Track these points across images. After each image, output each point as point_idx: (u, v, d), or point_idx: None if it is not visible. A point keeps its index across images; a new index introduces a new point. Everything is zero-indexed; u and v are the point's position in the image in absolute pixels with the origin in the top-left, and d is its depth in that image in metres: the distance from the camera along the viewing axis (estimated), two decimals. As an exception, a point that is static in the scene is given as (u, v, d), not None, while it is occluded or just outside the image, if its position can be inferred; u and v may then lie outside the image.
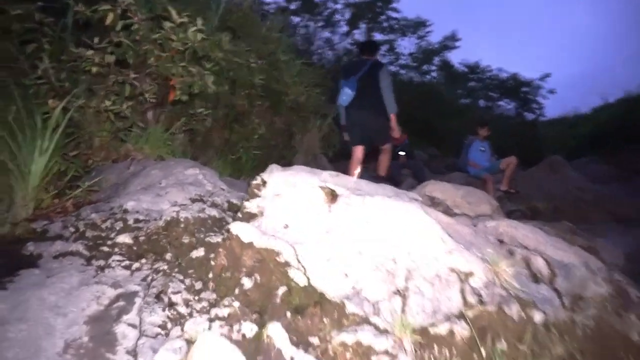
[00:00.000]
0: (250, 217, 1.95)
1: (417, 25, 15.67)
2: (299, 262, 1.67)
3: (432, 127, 12.03)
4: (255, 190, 2.04)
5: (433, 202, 2.88)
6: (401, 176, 6.42)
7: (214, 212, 2.32)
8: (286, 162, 5.33)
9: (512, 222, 2.33)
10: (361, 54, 4.73)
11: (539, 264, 1.93)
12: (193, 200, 2.46)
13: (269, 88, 4.73)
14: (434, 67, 18.40)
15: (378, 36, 13.36)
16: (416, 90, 12.80)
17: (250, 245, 1.74)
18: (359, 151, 4.55)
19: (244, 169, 4.47)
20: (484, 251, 1.95)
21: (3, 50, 2.87)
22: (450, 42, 17.07)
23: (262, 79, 4.27)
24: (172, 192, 2.52)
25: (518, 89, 19.96)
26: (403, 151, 6.84)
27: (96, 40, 2.86)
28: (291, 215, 1.92)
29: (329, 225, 1.86)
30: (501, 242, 2.29)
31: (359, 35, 12.91)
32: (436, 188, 3.13)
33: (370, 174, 5.08)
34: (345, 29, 12.40)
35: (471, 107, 17.46)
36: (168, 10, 2.97)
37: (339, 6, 12.03)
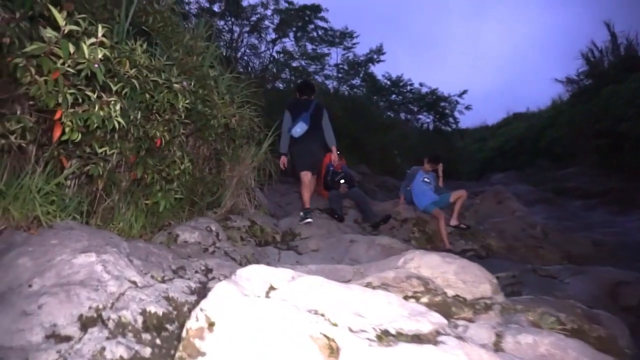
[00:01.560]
0: (187, 399, 1.11)
1: (344, 36, 15.33)
2: None
3: (360, 143, 11.62)
4: (196, 342, 1.19)
5: (426, 287, 2.22)
6: (342, 208, 5.76)
7: (120, 350, 1.43)
8: (214, 200, 4.44)
9: (556, 337, 1.75)
10: (301, 94, 5.55)
11: None
12: (84, 324, 1.55)
13: (194, 110, 3.82)
14: (358, 80, 18.25)
15: (308, 46, 12.74)
16: (344, 103, 12.35)
17: None
18: (308, 176, 5.27)
19: (162, 216, 3.52)
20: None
21: None
22: (376, 55, 16.99)
23: (187, 102, 3.35)
24: (49, 305, 1.59)
25: (437, 104, 20.59)
26: (344, 179, 6.21)
27: None
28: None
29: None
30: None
31: (287, 43, 12.18)
32: (423, 263, 2.46)
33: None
34: (272, 36, 11.61)
35: (398, 122, 17.52)
36: (50, 10, 1.99)
37: (268, 12, 11.25)
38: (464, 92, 19.60)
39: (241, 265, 3.32)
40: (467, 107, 19.80)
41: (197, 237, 3.39)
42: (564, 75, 20.21)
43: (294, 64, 11.97)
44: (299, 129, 5.08)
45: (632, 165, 12.70)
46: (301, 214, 5.03)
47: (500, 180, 14.46)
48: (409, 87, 20.53)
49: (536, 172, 15.13)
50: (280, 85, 10.91)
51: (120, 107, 2.61)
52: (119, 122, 2.44)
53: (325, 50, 14.09)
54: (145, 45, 3.27)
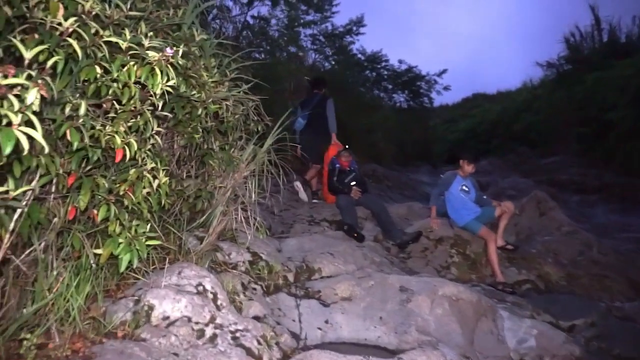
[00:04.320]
0: None
1: (322, 3, 13.71)
2: None
3: (344, 126, 10.29)
4: None
5: None
6: (357, 220, 4.50)
7: None
8: (199, 221, 3.10)
9: None
10: (312, 88, 6.23)
11: None
12: None
13: (174, 94, 2.42)
14: (332, 52, 16.68)
15: (280, 14, 10.91)
16: (326, 76, 10.89)
17: None
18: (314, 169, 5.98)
19: (117, 273, 2.14)
20: None
21: None
22: (355, 26, 15.51)
23: (170, 84, 1.95)
24: None
25: (413, 83, 19.51)
26: (355, 181, 4.92)
27: None
28: None
29: None
30: None
31: (263, 9, 10.43)
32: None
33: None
34: (247, -2, 9.84)
35: (381, 102, 16.24)
36: None
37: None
38: (444, 71, 18.59)
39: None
40: (446, 88, 18.85)
41: (184, 307, 2.05)
42: (535, 58, 19.66)
43: (271, 32, 10.28)
44: (298, 124, 5.74)
45: (618, 157, 12.18)
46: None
47: (485, 168, 13.63)
48: (383, 64, 19.27)
49: (520, 160, 14.43)
50: (258, 55, 9.30)
51: (42, 98, 1.21)
52: (31, 140, 1.06)
53: (304, 17, 12.41)
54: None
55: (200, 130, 2.81)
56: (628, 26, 17.07)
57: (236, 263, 2.96)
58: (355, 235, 4.10)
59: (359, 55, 18.37)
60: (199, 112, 2.69)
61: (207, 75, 2.80)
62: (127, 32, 1.75)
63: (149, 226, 2.00)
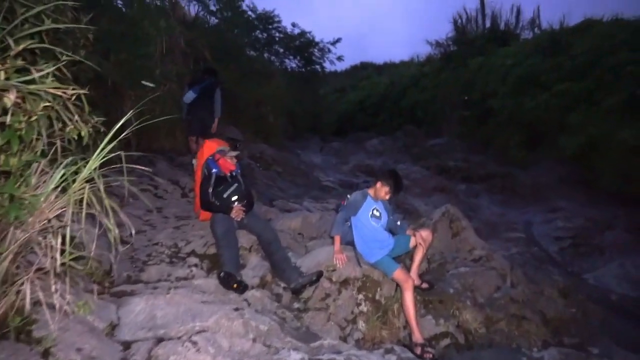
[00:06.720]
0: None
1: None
2: None
3: (231, 97, 8.82)
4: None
5: None
6: (238, 256, 3.32)
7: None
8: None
9: None
10: (203, 74, 6.47)
11: None
12: None
13: None
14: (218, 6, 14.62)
15: None
16: (211, 40, 9.25)
17: None
18: (193, 140, 6.34)
19: None
20: None
21: None
22: (245, -21, 13.68)
23: None
24: None
25: (306, 49, 18.35)
26: (237, 195, 3.66)
27: None
28: None
29: None
30: None
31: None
32: None
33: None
34: None
35: (274, 70, 14.71)
36: None
37: None
38: (338, 40, 17.65)
39: None
40: (339, 58, 17.95)
41: None
42: (420, 34, 19.88)
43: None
44: (189, 95, 5.95)
45: (497, 144, 12.57)
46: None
47: (377, 147, 13.27)
48: (275, 25, 17.68)
49: (409, 142, 14.31)
50: (120, 3, 7.22)
51: None
52: None
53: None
54: None
55: None
56: (507, 14, 17.86)
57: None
58: (235, 286, 2.98)
59: (250, 13, 16.55)
60: None
61: None
62: None
63: None
